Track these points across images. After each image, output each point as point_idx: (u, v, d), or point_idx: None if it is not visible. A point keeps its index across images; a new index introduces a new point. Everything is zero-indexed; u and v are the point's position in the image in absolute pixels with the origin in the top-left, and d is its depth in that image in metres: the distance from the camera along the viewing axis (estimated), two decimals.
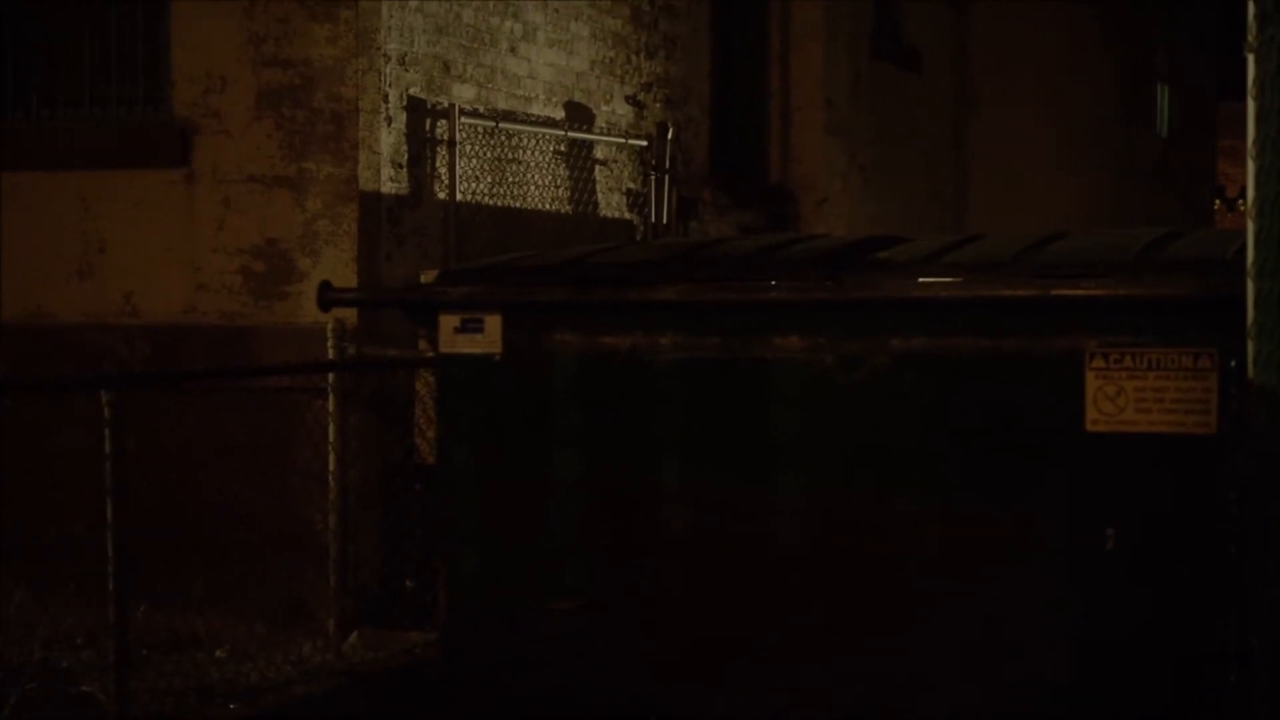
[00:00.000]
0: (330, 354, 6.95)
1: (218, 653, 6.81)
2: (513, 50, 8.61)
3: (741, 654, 4.64)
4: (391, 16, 7.71)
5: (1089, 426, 4.29)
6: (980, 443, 4.40)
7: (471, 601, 4.88)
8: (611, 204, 9.39)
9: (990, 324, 4.35)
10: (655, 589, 4.72)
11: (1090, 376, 4.27)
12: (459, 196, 8.10)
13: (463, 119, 8.08)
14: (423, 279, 7.13)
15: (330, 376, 6.95)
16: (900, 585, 4.49)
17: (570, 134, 8.94)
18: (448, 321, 4.83)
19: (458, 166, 8.06)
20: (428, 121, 7.98)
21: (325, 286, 5.31)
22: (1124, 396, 4.25)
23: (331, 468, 6.93)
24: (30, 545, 7.30)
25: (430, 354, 7.32)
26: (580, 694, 4.78)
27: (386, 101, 7.72)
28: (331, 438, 6.93)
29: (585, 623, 4.76)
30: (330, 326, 6.89)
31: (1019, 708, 4.41)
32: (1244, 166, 4.02)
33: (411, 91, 7.87)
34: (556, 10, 8.93)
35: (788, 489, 4.59)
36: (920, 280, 4.42)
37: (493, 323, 4.79)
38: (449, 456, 4.95)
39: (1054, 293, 4.26)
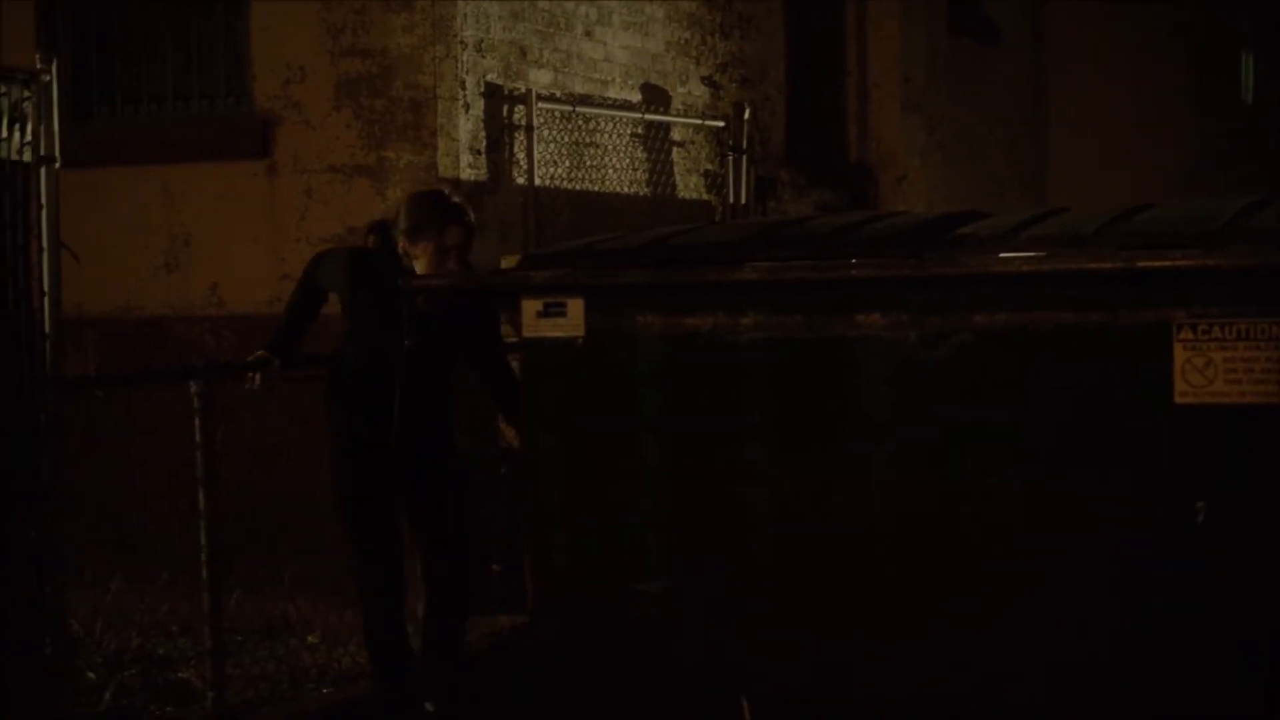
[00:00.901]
0: None
1: (309, 639, 6.88)
2: (588, 34, 8.63)
3: (829, 633, 4.63)
4: (468, 4, 7.75)
5: (1177, 399, 4.24)
6: (1066, 417, 4.36)
7: (558, 584, 4.90)
8: (689, 185, 9.39)
9: (1075, 297, 4.31)
10: (741, 569, 4.72)
11: (1178, 348, 4.23)
12: (537, 181, 8.13)
13: (540, 104, 8.10)
14: (504, 264, 7.17)
15: None
16: (988, 563, 4.46)
17: (647, 116, 8.95)
18: (530, 306, 4.84)
19: (536, 151, 8.09)
20: (505, 107, 8.01)
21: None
22: (1213, 368, 4.20)
23: None
24: (125, 535, 7.43)
25: (513, 339, 7.38)
26: (669, 675, 4.79)
27: (464, 88, 7.76)
28: None
29: (672, 604, 4.76)
30: None
31: (1105, 684, 4.37)
32: None
33: (489, 78, 7.91)
34: None
35: (873, 467, 4.57)
36: (1002, 255, 4.39)
37: (575, 306, 4.79)
38: (533, 440, 4.96)
39: (1140, 264, 4.20)
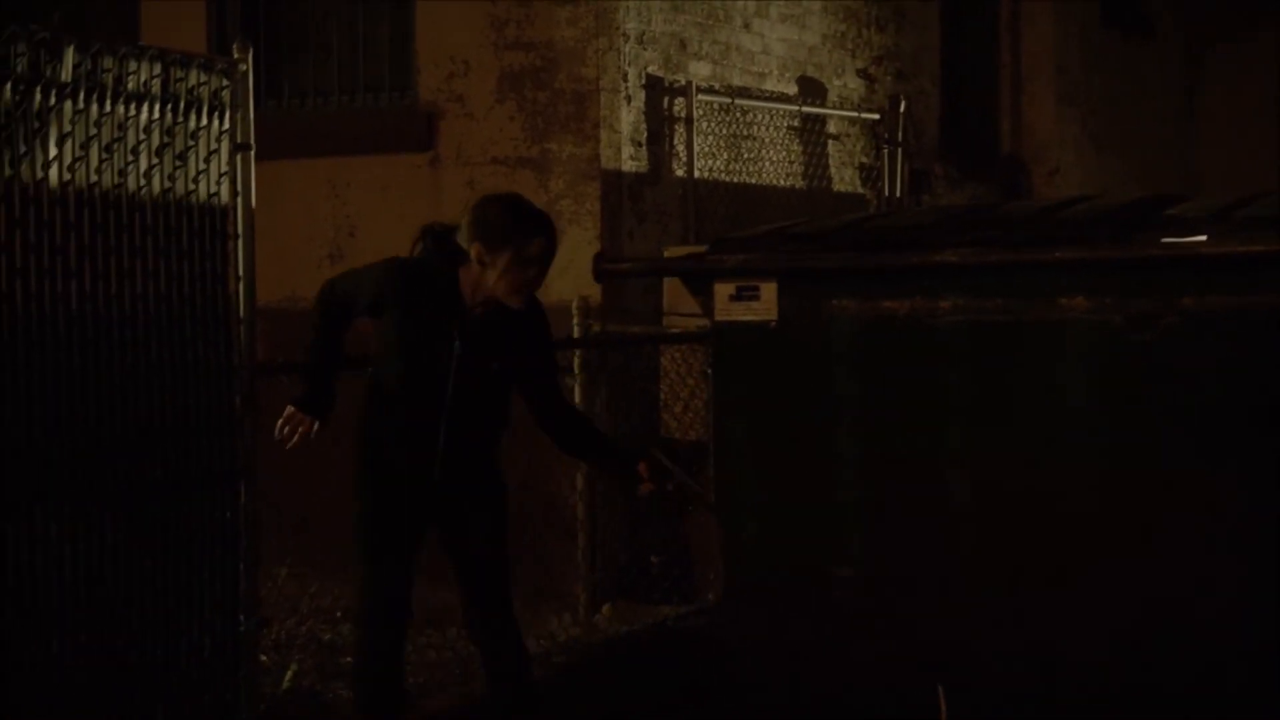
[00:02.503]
0: (575, 332, 7.00)
1: None
2: (746, 26, 8.62)
3: (1028, 617, 4.58)
4: None
5: None
6: None
7: (750, 569, 4.89)
8: (844, 178, 9.35)
9: None
10: (938, 554, 4.68)
11: None
12: (696, 173, 8.13)
13: (699, 96, 8.11)
14: (666, 254, 7.18)
15: (576, 354, 7.01)
16: (1196, 545, 4.39)
17: (804, 109, 8.92)
18: (723, 290, 4.84)
19: (695, 143, 8.09)
20: (665, 99, 8.03)
21: (600, 257, 5.36)
22: None
23: None
24: (289, 524, 7.51)
25: (674, 330, 7.39)
26: (863, 660, 4.77)
27: (626, 80, 7.78)
28: None
29: (868, 589, 4.74)
30: (575, 304, 6.96)
31: None
32: None
33: (649, 70, 7.93)
34: None
35: (1075, 450, 4.52)
36: (1214, 237, 4.32)
37: (768, 290, 4.79)
38: (725, 425, 4.96)
39: None
